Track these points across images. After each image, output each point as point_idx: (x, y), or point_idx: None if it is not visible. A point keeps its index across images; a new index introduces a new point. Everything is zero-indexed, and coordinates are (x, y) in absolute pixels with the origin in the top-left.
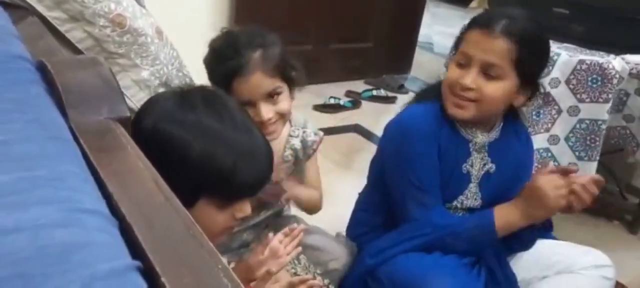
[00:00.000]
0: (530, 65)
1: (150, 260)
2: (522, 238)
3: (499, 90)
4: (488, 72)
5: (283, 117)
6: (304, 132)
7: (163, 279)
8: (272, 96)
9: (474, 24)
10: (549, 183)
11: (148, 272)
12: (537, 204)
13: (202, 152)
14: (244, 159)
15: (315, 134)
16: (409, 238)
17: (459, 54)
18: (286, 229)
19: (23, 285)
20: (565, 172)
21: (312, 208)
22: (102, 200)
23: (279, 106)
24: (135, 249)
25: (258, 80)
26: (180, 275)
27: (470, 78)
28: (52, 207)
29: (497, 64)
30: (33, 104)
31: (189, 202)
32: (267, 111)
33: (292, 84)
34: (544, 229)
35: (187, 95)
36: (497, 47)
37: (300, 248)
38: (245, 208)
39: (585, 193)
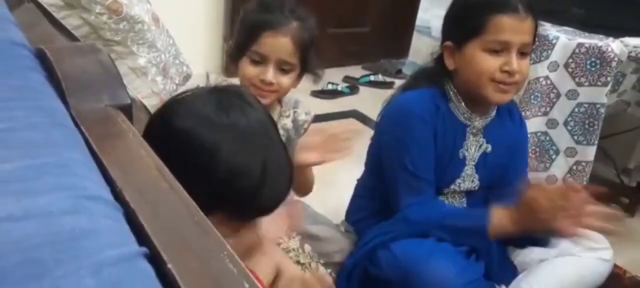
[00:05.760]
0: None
1: (156, 247)
2: (519, 242)
3: (528, 65)
4: (522, 51)
5: (279, 92)
6: (294, 111)
7: (170, 265)
8: (283, 68)
9: (496, 9)
10: (543, 196)
11: (154, 258)
12: (531, 216)
13: (231, 159)
14: (273, 173)
15: (307, 114)
16: (393, 232)
17: (492, 42)
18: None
19: (36, 270)
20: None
21: (305, 190)
22: (107, 187)
23: (282, 79)
24: (140, 236)
25: (284, 44)
26: (187, 261)
27: (516, 62)
28: (60, 194)
29: (531, 42)
30: (35, 91)
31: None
32: (274, 75)
33: (305, 71)
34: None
35: (222, 97)
36: (527, 27)
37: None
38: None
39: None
